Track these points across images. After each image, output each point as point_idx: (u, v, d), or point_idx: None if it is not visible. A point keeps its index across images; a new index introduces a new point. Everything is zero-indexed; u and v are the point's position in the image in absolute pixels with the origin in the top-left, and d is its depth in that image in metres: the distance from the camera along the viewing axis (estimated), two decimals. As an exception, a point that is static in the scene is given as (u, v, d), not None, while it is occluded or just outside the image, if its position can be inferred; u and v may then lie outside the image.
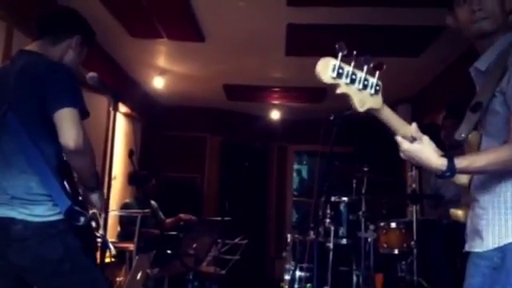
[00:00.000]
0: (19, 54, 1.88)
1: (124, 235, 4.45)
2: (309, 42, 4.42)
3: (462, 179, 1.53)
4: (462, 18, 1.48)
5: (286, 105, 6.58)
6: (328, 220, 3.67)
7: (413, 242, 3.23)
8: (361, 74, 1.24)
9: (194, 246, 3.49)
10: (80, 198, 1.85)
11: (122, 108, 5.34)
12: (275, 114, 6.99)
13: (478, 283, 1.38)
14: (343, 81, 1.22)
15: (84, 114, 1.78)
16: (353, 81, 1.23)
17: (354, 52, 1.23)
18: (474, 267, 1.40)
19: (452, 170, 1.28)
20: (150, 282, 3.52)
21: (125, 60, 5.16)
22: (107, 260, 4.34)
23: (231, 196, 6.18)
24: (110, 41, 4.50)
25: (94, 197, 1.93)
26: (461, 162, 1.29)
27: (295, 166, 7.99)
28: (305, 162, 8.23)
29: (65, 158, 1.78)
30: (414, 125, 1.35)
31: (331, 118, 2.98)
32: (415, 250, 3.21)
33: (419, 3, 3.55)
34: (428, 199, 3.75)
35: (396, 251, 3.44)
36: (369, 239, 3.56)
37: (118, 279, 3.78)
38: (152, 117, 6.55)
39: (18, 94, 1.74)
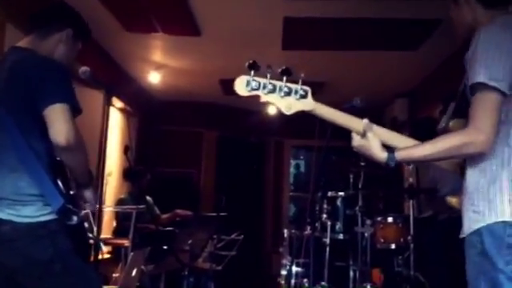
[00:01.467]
0: (10, 51, 1.85)
1: (119, 231, 4.43)
2: (306, 36, 4.40)
3: (451, 167, 1.56)
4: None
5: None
6: (325, 215, 3.66)
7: (410, 237, 3.22)
8: (280, 84, 1.43)
9: (190, 241, 3.47)
10: (72, 193, 1.82)
11: (118, 103, 5.31)
12: (272, 109, 6.96)
13: (471, 272, 1.40)
14: (261, 92, 1.43)
15: (76, 110, 1.74)
16: (272, 90, 1.43)
17: (268, 66, 1.42)
18: (466, 256, 1.43)
19: (392, 161, 1.42)
20: (145, 278, 3.50)
21: (120, 55, 5.12)
22: (102, 257, 4.34)
23: (228, 191, 6.15)
24: (105, 35, 4.45)
25: (88, 193, 1.90)
26: (400, 154, 1.43)
27: (292, 161, 7.97)
28: (302, 157, 8.22)
29: (57, 156, 1.75)
30: (365, 120, 1.48)
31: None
32: (412, 245, 3.20)
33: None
34: (424, 194, 3.74)
35: (393, 246, 3.44)
36: (366, 234, 3.55)
37: (113, 275, 3.76)
38: (148, 112, 6.51)
39: (9, 90, 1.71)
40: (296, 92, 1.45)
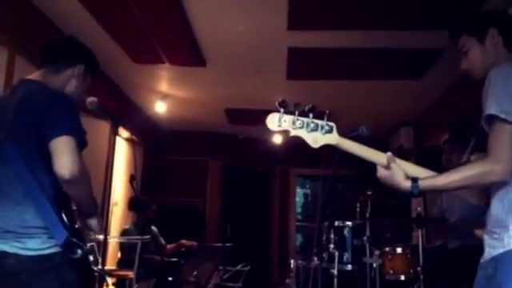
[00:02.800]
0: (21, 83, 1.86)
1: (124, 262, 4.37)
2: (310, 66, 4.44)
3: (472, 199, 1.64)
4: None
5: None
6: (332, 245, 3.59)
7: (419, 268, 3.15)
8: (308, 120, 1.57)
9: (195, 273, 3.41)
10: (77, 226, 1.80)
11: (124, 133, 5.34)
12: (277, 138, 6.98)
13: None
14: (290, 127, 1.56)
15: (82, 143, 1.74)
16: (300, 126, 1.57)
17: (296, 104, 1.56)
18: (476, 279, 1.50)
19: (416, 189, 1.51)
20: (150, 310, 3.43)
21: (127, 85, 5.19)
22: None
23: (233, 221, 6.11)
24: (112, 66, 4.53)
25: (93, 222, 1.88)
26: (423, 182, 1.51)
27: (298, 190, 7.92)
28: (307, 186, 8.17)
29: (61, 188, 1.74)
30: (389, 153, 1.59)
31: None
32: (422, 276, 3.13)
33: (420, 26, 3.57)
34: (433, 223, 3.68)
35: (402, 277, 3.36)
36: (374, 265, 3.47)
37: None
38: (154, 141, 6.54)
39: (17, 122, 1.72)
40: (322, 127, 1.58)
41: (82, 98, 2.03)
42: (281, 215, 7.55)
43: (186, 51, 4.18)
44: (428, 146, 5.16)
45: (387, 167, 1.57)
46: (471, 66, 1.69)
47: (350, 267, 3.61)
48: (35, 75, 1.88)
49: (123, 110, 5.40)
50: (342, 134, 3.13)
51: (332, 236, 3.63)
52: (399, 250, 3.45)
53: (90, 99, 2.04)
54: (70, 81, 1.92)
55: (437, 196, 3.66)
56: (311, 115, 1.57)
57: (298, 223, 7.65)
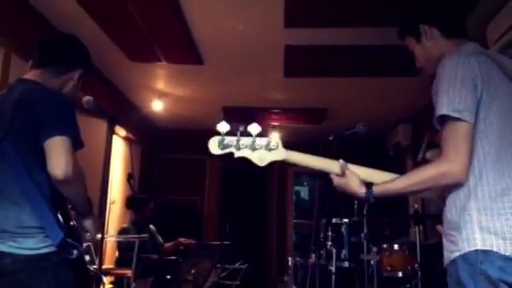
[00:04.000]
0: (17, 82, 1.85)
1: (122, 261, 4.37)
2: (307, 63, 4.44)
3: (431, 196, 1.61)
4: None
5: (285, 126, 6.56)
6: (330, 242, 3.60)
7: (417, 265, 3.16)
8: (251, 139, 1.53)
9: (193, 271, 3.42)
10: (72, 223, 1.80)
11: (121, 131, 5.33)
12: (275, 136, 6.97)
13: None
14: (233, 149, 1.53)
15: (78, 144, 1.74)
16: (244, 146, 1.53)
17: (240, 127, 1.53)
18: (449, 285, 1.44)
19: (370, 195, 1.49)
20: (148, 309, 3.44)
21: (124, 84, 5.17)
22: (106, 287, 4.27)
23: (231, 219, 6.11)
24: (109, 65, 4.52)
25: (88, 223, 1.88)
26: (378, 188, 1.49)
27: (295, 188, 7.92)
28: (305, 184, 8.17)
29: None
30: (341, 161, 1.57)
31: (330, 138, 2.95)
32: (419, 273, 3.13)
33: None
34: (430, 220, 3.69)
35: (400, 274, 3.37)
36: (372, 262, 3.48)
37: (116, 306, 3.69)
38: (151, 140, 6.54)
39: (14, 122, 1.71)
40: (267, 145, 1.55)
41: (78, 97, 2.02)
42: (279, 213, 7.55)
43: (183, 49, 4.17)
44: (425, 141, 5.17)
45: (342, 175, 1.55)
46: (420, 63, 1.70)
47: (347, 264, 3.62)
48: (32, 75, 1.86)
49: (120, 108, 5.39)
50: (339, 131, 3.14)
51: (330, 233, 3.64)
52: (396, 246, 3.46)
53: (86, 98, 2.04)
54: (68, 83, 1.91)
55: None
56: (254, 134, 1.53)
57: (295, 221, 7.65)
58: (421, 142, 3.69)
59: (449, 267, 1.41)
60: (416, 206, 3.52)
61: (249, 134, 1.54)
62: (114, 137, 5.17)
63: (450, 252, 1.41)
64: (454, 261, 1.39)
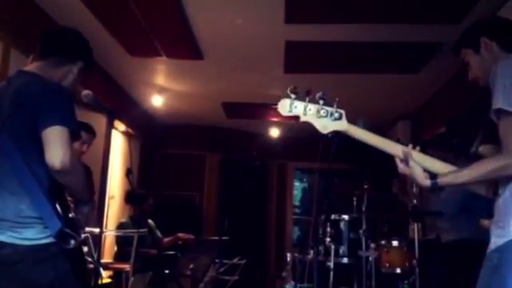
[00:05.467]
0: (17, 74, 1.85)
1: (121, 255, 4.38)
2: (307, 59, 4.43)
3: (481, 190, 1.66)
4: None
5: (285, 122, 6.57)
6: (328, 238, 3.60)
7: (415, 261, 3.16)
8: (318, 106, 1.62)
9: (191, 266, 3.42)
10: (71, 216, 1.80)
11: (121, 126, 5.33)
12: (274, 132, 6.97)
13: (481, 283, 1.48)
14: (301, 112, 1.62)
15: (75, 135, 1.74)
16: (311, 112, 1.62)
17: (307, 91, 1.62)
18: (482, 269, 1.49)
19: (435, 187, 1.55)
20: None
21: (124, 78, 5.17)
22: (104, 281, 4.28)
23: (231, 214, 6.12)
24: (109, 60, 4.51)
25: (85, 208, 1.89)
26: (442, 180, 1.55)
27: (295, 184, 7.93)
28: (305, 180, 8.18)
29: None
30: (407, 149, 1.63)
31: (329, 135, 2.95)
32: (417, 269, 3.14)
33: (418, 20, 3.56)
34: (428, 216, 3.69)
35: (398, 270, 3.37)
36: (370, 258, 3.49)
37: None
38: (151, 135, 6.53)
39: (13, 114, 1.71)
40: (331, 114, 1.62)
41: (77, 91, 2.02)
42: (278, 209, 7.57)
43: (183, 44, 4.16)
44: (425, 139, 5.17)
45: (404, 161, 1.61)
46: (475, 75, 1.76)
47: (346, 260, 3.63)
48: (32, 67, 1.86)
49: (119, 103, 5.39)
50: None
51: (328, 229, 3.64)
52: (395, 243, 3.46)
53: (85, 92, 2.03)
54: (67, 75, 1.91)
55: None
56: (321, 102, 1.61)
57: (295, 216, 7.67)
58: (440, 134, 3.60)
59: (491, 253, 1.46)
60: (415, 202, 3.52)
61: (316, 101, 1.61)
62: (114, 131, 5.17)
63: (498, 237, 1.45)
64: (500, 247, 1.42)
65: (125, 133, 5.58)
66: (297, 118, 1.63)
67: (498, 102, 1.44)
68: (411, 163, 1.60)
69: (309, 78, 4.87)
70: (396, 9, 3.41)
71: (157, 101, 5.56)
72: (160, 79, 5.20)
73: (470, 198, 2.70)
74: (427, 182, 1.56)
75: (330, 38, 3.94)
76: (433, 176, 1.56)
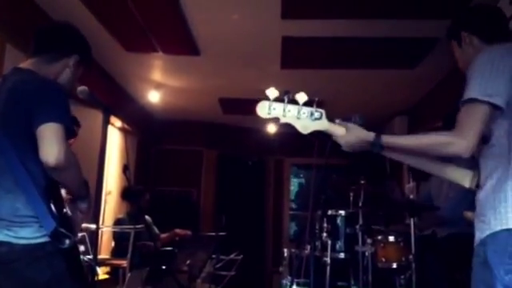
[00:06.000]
0: (12, 72, 1.83)
1: (118, 251, 4.38)
2: (304, 55, 4.43)
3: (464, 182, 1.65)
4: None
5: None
6: (325, 234, 3.61)
7: (411, 256, 3.17)
8: (297, 107, 1.58)
9: (188, 262, 3.43)
10: (65, 212, 1.80)
11: (117, 122, 5.32)
12: (271, 128, 6.97)
13: (472, 280, 1.46)
14: (280, 114, 1.58)
15: (70, 132, 1.73)
16: (290, 113, 1.58)
17: (286, 92, 1.57)
18: (472, 265, 1.47)
19: (379, 142, 1.53)
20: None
21: (120, 74, 5.15)
22: (101, 277, 4.29)
23: (228, 210, 6.12)
24: (105, 55, 4.49)
25: (82, 204, 1.88)
26: (386, 138, 1.53)
27: (292, 179, 7.94)
28: (302, 175, 8.19)
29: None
30: (337, 120, 1.62)
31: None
32: (414, 264, 3.15)
33: (414, 15, 3.56)
34: (425, 210, 3.70)
35: (394, 265, 3.38)
36: (366, 253, 3.49)
37: (112, 296, 3.71)
38: (148, 131, 6.53)
39: (8, 112, 1.70)
40: (312, 114, 1.59)
41: (73, 86, 2.01)
42: (275, 204, 7.58)
43: (179, 40, 4.15)
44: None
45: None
46: (460, 66, 1.77)
47: (342, 255, 3.63)
48: (28, 64, 1.85)
49: (116, 99, 5.38)
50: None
51: (325, 225, 3.64)
52: (391, 238, 3.46)
53: (81, 88, 2.02)
54: (63, 71, 1.89)
55: (430, 184, 3.68)
56: (301, 102, 1.58)
57: (292, 212, 7.68)
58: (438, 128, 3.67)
59: (477, 247, 1.44)
60: (411, 196, 3.53)
61: (295, 102, 1.58)
62: (111, 128, 5.16)
63: (481, 231, 1.43)
64: (483, 240, 1.41)
65: (121, 129, 5.57)
66: (276, 120, 1.60)
67: (474, 92, 1.42)
68: (349, 125, 1.58)
69: (305, 74, 4.87)
70: (393, 4, 3.41)
71: (153, 97, 5.55)
72: (157, 75, 5.19)
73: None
74: (370, 135, 1.54)
75: (327, 33, 3.94)
76: (377, 133, 1.54)
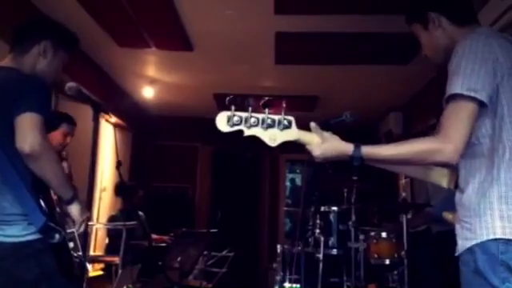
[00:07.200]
0: None
1: (112, 248, 4.38)
2: (298, 51, 4.41)
3: (442, 181, 1.57)
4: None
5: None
6: (318, 230, 3.62)
7: (403, 252, 3.18)
8: (263, 116, 1.40)
9: (179, 259, 3.42)
10: (57, 210, 1.79)
11: (112, 118, 5.30)
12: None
13: None
14: (243, 126, 1.39)
15: (51, 124, 1.72)
16: (255, 123, 1.39)
17: (247, 99, 1.40)
18: (460, 273, 1.38)
19: (359, 154, 1.38)
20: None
21: (113, 70, 5.12)
22: (94, 274, 4.29)
23: (223, 206, 6.12)
24: (98, 51, 4.47)
25: (73, 209, 1.84)
26: (366, 149, 1.38)
27: (288, 175, 7.94)
28: (297, 171, 8.19)
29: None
30: (312, 124, 1.47)
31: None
32: (406, 260, 3.16)
33: (408, 10, 3.53)
34: (418, 208, 3.71)
35: (387, 261, 3.39)
36: (359, 249, 3.51)
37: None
38: (142, 127, 6.50)
39: None
40: (279, 123, 1.42)
41: (61, 80, 1.99)
42: (271, 200, 7.57)
43: (172, 35, 4.13)
44: (417, 131, 5.18)
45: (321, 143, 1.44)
46: (426, 52, 1.64)
47: (335, 252, 3.64)
48: (6, 61, 1.86)
49: (110, 95, 5.35)
50: (328, 119, 3.13)
51: (318, 221, 3.65)
52: (384, 234, 3.48)
53: (70, 84, 2.01)
54: (38, 60, 1.88)
55: (426, 183, 3.68)
56: (266, 110, 1.41)
57: (287, 208, 7.68)
58: (431, 125, 3.65)
59: (464, 255, 1.35)
60: (404, 194, 3.54)
61: (261, 111, 1.42)
62: (105, 124, 5.14)
63: (466, 240, 1.34)
64: (470, 249, 1.33)
65: (116, 124, 5.55)
66: (241, 132, 1.41)
67: (457, 87, 1.32)
68: (326, 135, 1.44)
69: (299, 69, 4.86)
70: None
71: (148, 92, 5.53)
72: (150, 71, 5.16)
73: None
74: (350, 148, 1.39)
75: (321, 28, 3.92)
76: (357, 144, 1.39)
